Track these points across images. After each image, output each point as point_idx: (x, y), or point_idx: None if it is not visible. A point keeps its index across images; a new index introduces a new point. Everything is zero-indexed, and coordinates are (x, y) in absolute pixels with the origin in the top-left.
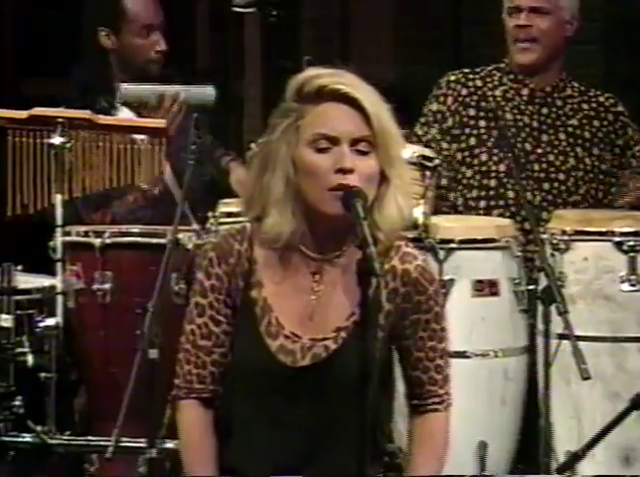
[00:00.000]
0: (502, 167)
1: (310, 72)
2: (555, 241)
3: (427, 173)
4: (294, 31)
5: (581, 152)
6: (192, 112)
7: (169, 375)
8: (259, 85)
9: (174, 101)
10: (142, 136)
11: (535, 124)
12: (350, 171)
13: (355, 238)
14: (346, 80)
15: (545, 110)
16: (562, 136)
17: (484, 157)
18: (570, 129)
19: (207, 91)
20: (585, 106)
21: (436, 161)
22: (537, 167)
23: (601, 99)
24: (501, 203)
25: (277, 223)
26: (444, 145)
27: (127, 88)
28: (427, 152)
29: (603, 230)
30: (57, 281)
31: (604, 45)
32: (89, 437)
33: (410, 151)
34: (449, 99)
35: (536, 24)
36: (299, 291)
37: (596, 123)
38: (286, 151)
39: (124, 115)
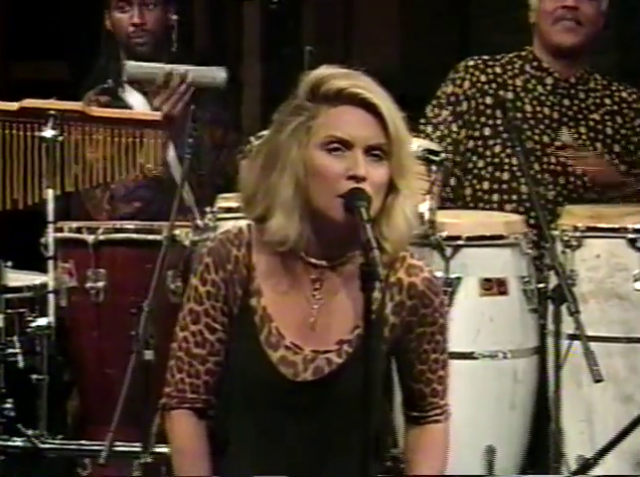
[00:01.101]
0: (515, 160)
1: (325, 71)
2: (566, 238)
3: (433, 167)
4: (295, 17)
5: (601, 148)
6: (201, 94)
7: (164, 376)
8: (259, 70)
9: (182, 81)
10: (139, 129)
11: (555, 116)
12: (363, 179)
13: (359, 245)
14: (364, 85)
15: (566, 102)
16: (583, 130)
17: (497, 149)
18: (592, 124)
19: (217, 73)
20: (608, 101)
21: (442, 155)
22: (553, 160)
23: (624, 95)
24: (514, 197)
25: (284, 226)
26: (454, 128)
27: (133, 66)
28: (434, 146)
29: (616, 226)
30: (48, 279)
31: (618, 32)
32: (82, 442)
33: (416, 145)
34: (466, 83)
35: (583, 7)
36: (300, 300)
37: (619, 120)
38: (297, 151)
39: (131, 96)
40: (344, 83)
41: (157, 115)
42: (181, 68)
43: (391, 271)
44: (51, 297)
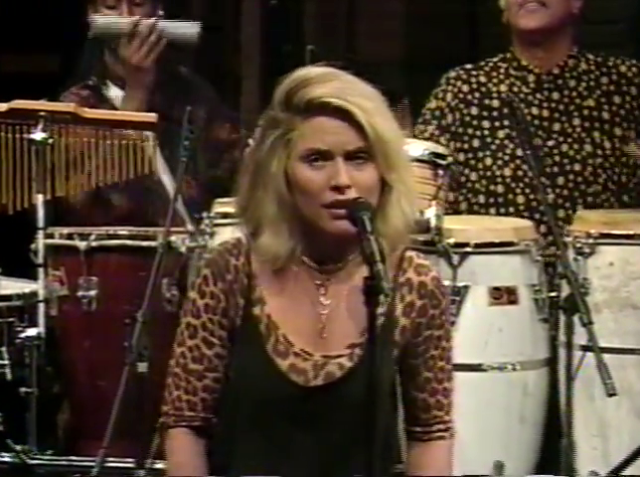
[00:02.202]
0: (507, 171)
1: (297, 77)
2: (578, 245)
3: (440, 171)
4: (297, 11)
5: (599, 136)
6: (173, 48)
7: (159, 390)
8: (257, 62)
9: (151, 30)
10: (131, 131)
11: (545, 114)
12: (346, 187)
13: (360, 249)
14: (336, 90)
15: (555, 95)
16: (577, 121)
17: (488, 161)
18: (586, 112)
19: (188, 26)
20: (604, 80)
21: (449, 159)
22: (549, 161)
23: (623, 69)
24: (511, 209)
25: (274, 243)
26: (443, 141)
27: (100, 20)
28: (440, 149)
29: (631, 232)
30: (38, 287)
31: (633, 24)
32: (73, 457)
33: (422, 148)
34: (448, 96)
35: None
36: (305, 305)
37: (617, 100)
38: (277, 166)
39: (113, 93)
40: (314, 93)
41: (152, 117)
42: (151, 19)
43: (399, 272)
44: (41, 306)
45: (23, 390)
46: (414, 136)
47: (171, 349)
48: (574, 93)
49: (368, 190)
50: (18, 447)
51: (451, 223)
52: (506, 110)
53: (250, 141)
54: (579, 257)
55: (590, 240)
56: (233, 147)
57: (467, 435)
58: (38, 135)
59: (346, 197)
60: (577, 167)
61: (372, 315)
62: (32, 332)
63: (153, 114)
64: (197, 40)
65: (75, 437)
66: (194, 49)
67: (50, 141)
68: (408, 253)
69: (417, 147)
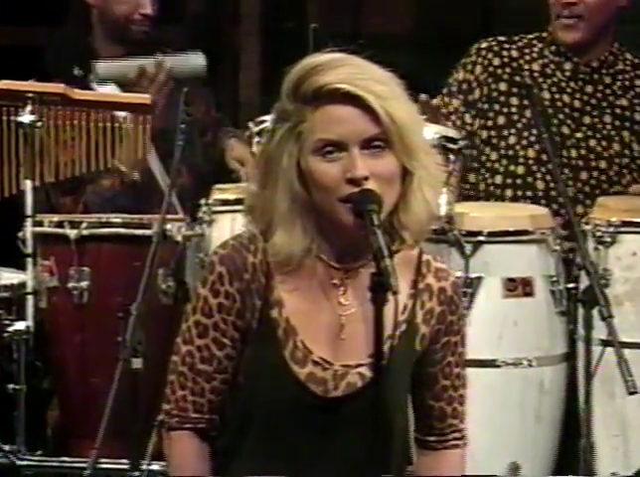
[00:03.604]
0: (531, 152)
1: (304, 65)
2: (598, 234)
3: (451, 156)
4: None
5: (629, 136)
6: (180, 83)
7: (155, 387)
8: (257, 35)
9: (159, 70)
10: (124, 113)
11: (576, 104)
12: (364, 179)
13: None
14: (346, 74)
15: (589, 89)
16: (608, 119)
17: (512, 140)
18: (618, 111)
19: (195, 59)
20: (639, 83)
21: (461, 143)
22: (574, 154)
23: None
24: (529, 193)
25: (287, 243)
26: (467, 118)
27: (103, 67)
28: (451, 133)
29: None
30: (27, 278)
31: None
32: (64, 458)
33: (432, 132)
34: (478, 68)
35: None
36: (324, 306)
37: None
38: (288, 162)
39: (102, 87)
40: (322, 81)
41: (146, 98)
42: (154, 59)
43: (419, 277)
44: (29, 298)
45: (11, 386)
46: (438, 107)
47: (167, 344)
48: (608, 90)
49: (388, 180)
50: (6, 447)
51: (463, 210)
52: (535, 90)
53: (251, 126)
54: (600, 247)
55: (611, 229)
56: (206, 130)
57: (481, 435)
58: (26, 118)
59: (364, 189)
60: (603, 164)
61: (379, 313)
62: (20, 325)
63: (147, 96)
64: (205, 71)
65: (65, 437)
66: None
67: (38, 124)
68: (425, 257)
69: (428, 131)
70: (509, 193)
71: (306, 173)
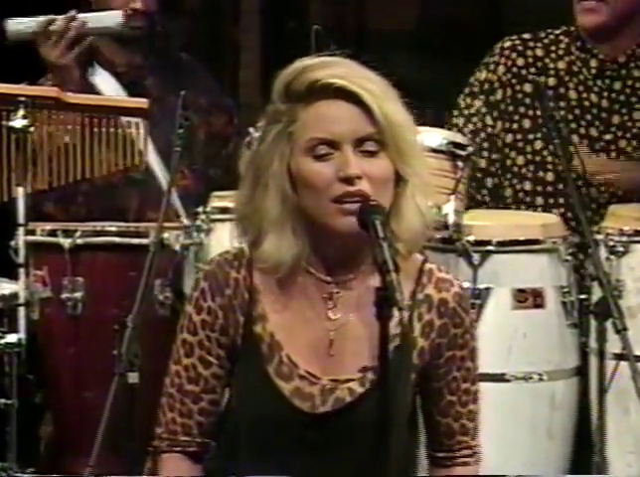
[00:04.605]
0: None
1: (297, 65)
2: (611, 243)
3: (459, 163)
4: None
5: None
6: (96, 39)
7: (151, 403)
8: (257, 33)
9: (67, 26)
10: (120, 117)
11: (604, 104)
12: (357, 178)
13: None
14: (340, 71)
15: (617, 85)
16: (638, 116)
17: (539, 145)
18: None
19: (111, 15)
20: None
21: (469, 149)
22: (604, 156)
23: None
24: (561, 201)
25: (276, 248)
26: (489, 121)
27: (12, 22)
28: (459, 139)
29: None
30: (19, 289)
31: None
32: (56, 475)
33: (440, 137)
34: (500, 69)
35: None
36: (312, 321)
37: None
38: (279, 164)
39: (102, 80)
40: (315, 75)
41: (142, 102)
42: (69, 14)
43: (418, 287)
44: (21, 310)
45: (2, 401)
46: (459, 109)
47: (164, 357)
48: (638, 85)
49: (381, 182)
50: None
51: (472, 218)
52: (562, 90)
53: (252, 132)
54: (612, 257)
55: (624, 238)
56: (228, 141)
57: (489, 452)
58: (18, 122)
59: (357, 188)
60: None
61: (384, 329)
62: (12, 338)
63: (144, 100)
64: (121, 29)
65: (59, 454)
66: (119, 36)
67: (31, 129)
68: (428, 266)
69: (435, 137)
70: (539, 200)
71: (297, 175)
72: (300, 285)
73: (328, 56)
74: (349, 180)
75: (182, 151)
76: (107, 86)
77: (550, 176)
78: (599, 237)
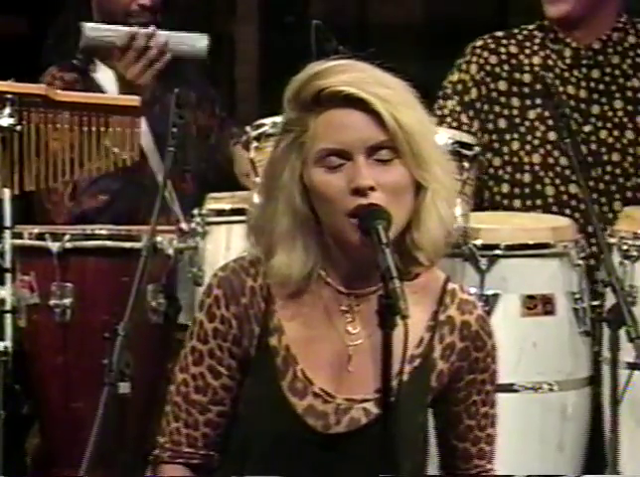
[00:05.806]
0: (536, 158)
1: (308, 70)
2: (624, 247)
3: (466, 164)
4: None
5: None
6: (179, 62)
7: (143, 412)
8: (255, 24)
9: (150, 42)
10: (112, 116)
11: (582, 94)
12: (369, 188)
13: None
14: (350, 77)
15: (595, 74)
16: (619, 104)
17: (515, 145)
18: (630, 93)
19: (195, 38)
20: None
21: (476, 149)
22: (584, 150)
23: None
24: (538, 202)
25: (285, 263)
26: (464, 119)
27: (91, 28)
28: (466, 138)
29: None
30: (5, 295)
31: None
32: None
33: (446, 137)
34: (473, 67)
35: None
36: (331, 336)
37: None
38: (289, 176)
39: (103, 75)
40: (324, 83)
41: (134, 100)
42: (150, 30)
43: (440, 307)
44: (8, 317)
45: None
46: (432, 111)
47: (157, 366)
48: (617, 72)
49: (397, 191)
50: None
51: (479, 221)
52: (539, 87)
53: (249, 130)
54: (626, 261)
55: (638, 242)
56: (211, 132)
57: (498, 465)
58: (4, 121)
59: (369, 201)
60: (616, 157)
61: (387, 339)
62: None
63: (136, 97)
64: (206, 54)
65: (47, 466)
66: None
67: (18, 128)
68: (451, 286)
69: (440, 136)
70: (517, 203)
71: (309, 187)
72: (318, 297)
73: (334, 54)
74: (361, 191)
75: (176, 151)
76: (109, 84)
77: (527, 177)
78: (612, 240)
